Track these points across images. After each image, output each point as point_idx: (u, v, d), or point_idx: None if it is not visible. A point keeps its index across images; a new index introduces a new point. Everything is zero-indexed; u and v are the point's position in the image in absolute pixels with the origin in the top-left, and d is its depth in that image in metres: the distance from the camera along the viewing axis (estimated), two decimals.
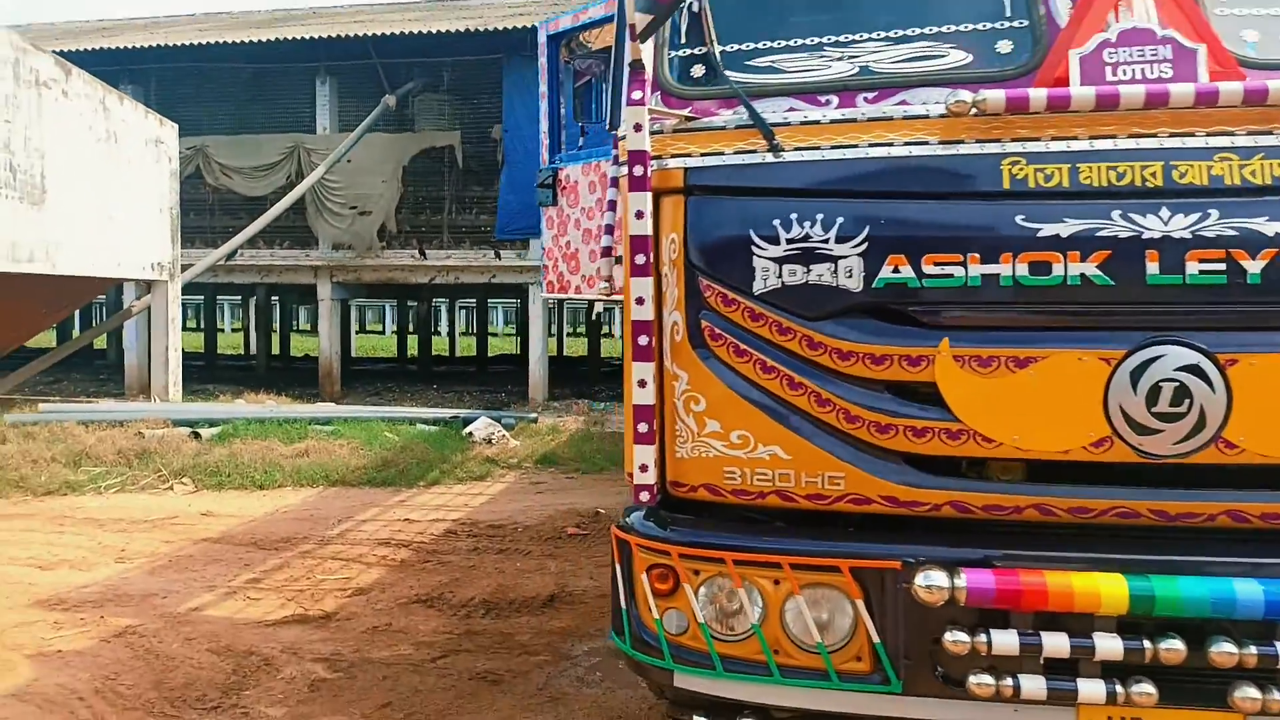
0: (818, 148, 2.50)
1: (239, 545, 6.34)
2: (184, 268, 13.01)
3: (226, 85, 16.34)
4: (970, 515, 2.39)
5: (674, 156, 2.56)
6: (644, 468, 2.51)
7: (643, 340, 2.50)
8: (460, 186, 16.25)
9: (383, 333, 41.97)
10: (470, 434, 10.39)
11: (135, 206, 11.00)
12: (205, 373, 18.73)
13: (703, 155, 2.56)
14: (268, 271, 15.94)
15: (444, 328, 37.23)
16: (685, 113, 2.60)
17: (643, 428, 2.51)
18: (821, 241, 2.42)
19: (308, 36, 14.61)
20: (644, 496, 2.52)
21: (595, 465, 9.55)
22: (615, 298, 3.92)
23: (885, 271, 2.36)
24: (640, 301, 2.49)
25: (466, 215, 16.43)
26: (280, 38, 14.60)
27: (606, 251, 2.83)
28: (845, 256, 2.40)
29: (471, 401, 15.03)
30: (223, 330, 33.67)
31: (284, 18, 16.59)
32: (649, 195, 2.48)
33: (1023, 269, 2.29)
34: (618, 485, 8.70)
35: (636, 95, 2.49)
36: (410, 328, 23.15)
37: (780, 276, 2.44)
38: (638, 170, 2.49)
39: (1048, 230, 2.29)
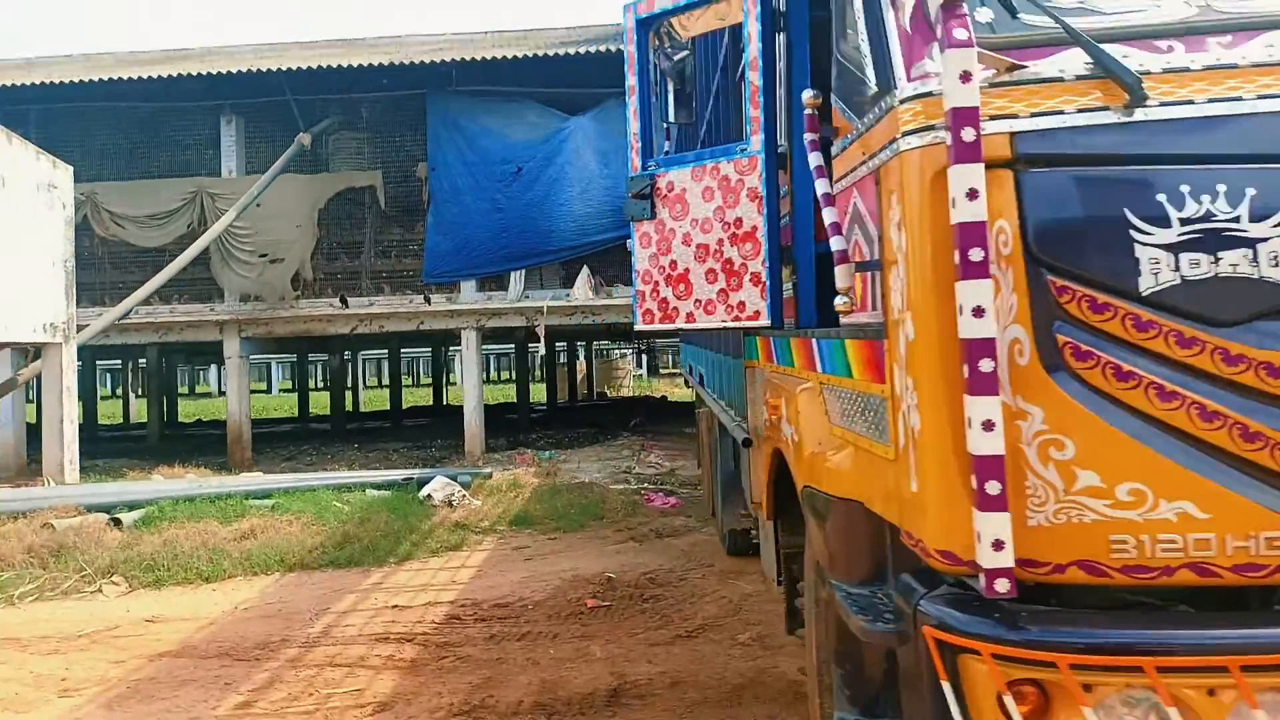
0: (1193, 101, 1.86)
1: (208, 658, 5.23)
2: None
3: (119, 127, 14.91)
4: None
5: (992, 119, 1.88)
6: (998, 545, 1.79)
7: (985, 366, 1.79)
8: (379, 229, 15.20)
9: (268, 390, 39.57)
10: (429, 496, 9.38)
11: (25, 259, 9.61)
12: (87, 446, 16.84)
13: (1034, 116, 1.89)
14: (167, 329, 14.45)
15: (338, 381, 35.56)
16: (1008, 61, 1.92)
17: (992, 488, 1.79)
18: (1230, 220, 1.78)
19: (211, 72, 13.41)
20: (1002, 586, 1.79)
21: (574, 523, 8.70)
22: (748, 323, 3.19)
23: None
24: (979, 313, 1.79)
25: (386, 260, 15.37)
26: (181, 74, 13.34)
27: (843, 257, 2.12)
28: (1267, 239, 1.76)
29: (401, 460, 13.89)
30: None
31: (181, 56, 15.28)
32: (979, 168, 1.78)
33: None
34: (607, 544, 7.89)
35: (960, 35, 1.80)
36: (310, 384, 21.66)
37: (1177, 269, 1.78)
38: (967, 134, 1.79)
39: None
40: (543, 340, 13.76)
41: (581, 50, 13.31)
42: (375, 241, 15.19)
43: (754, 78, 3.04)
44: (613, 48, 13.46)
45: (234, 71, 13.45)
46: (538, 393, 22.73)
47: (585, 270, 13.75)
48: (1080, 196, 1.85)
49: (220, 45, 16.87)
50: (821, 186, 2.32)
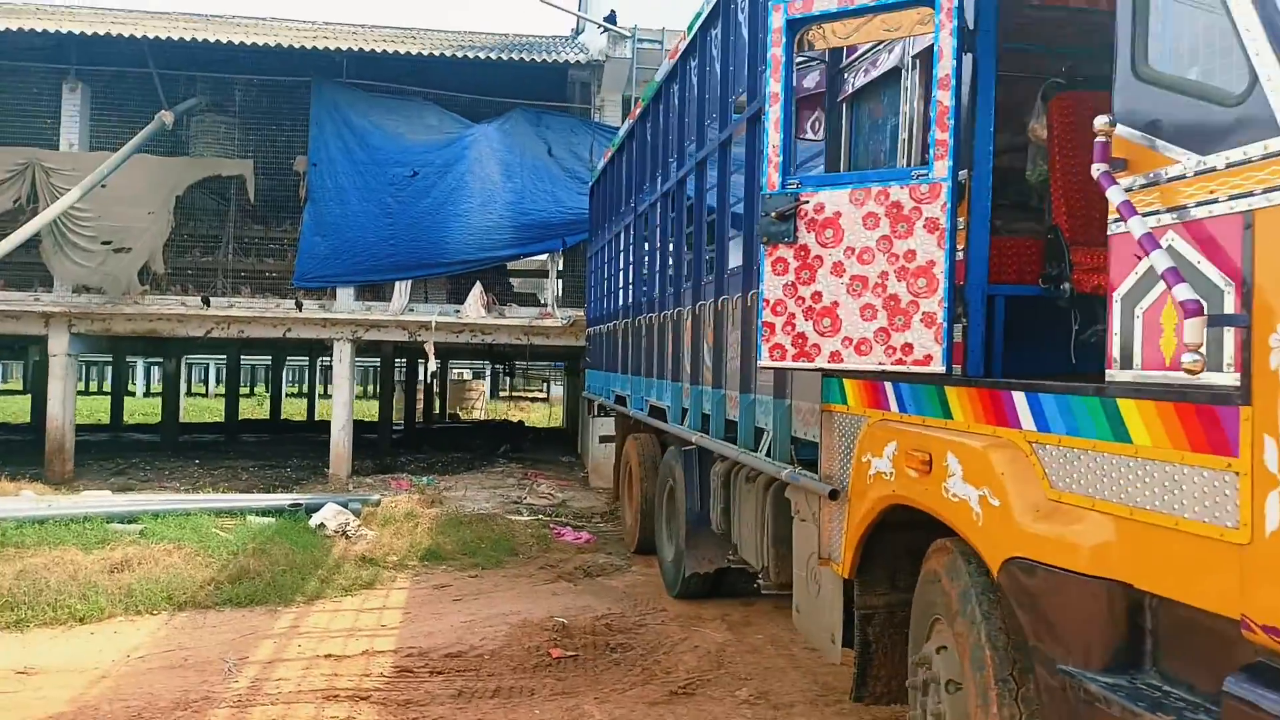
0: None
1: None
2: None
3: None
4: None
5: None
6: None
7: None
8: (242, 224, 13.92)
9: (85, 392, 35.55)
10: (322, 525, 8.47)
11: None
12: None
13: None
14: None
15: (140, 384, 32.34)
16: None
17: None
18: None
19: (57, 30, 11.86)
20: None
21: (490, 559, 8.09)
22: (915, 368, 2.87)
23: None
24: None
25: (246, 259, 14.09)
26: (19, 28, 11.72)
27: (1196, 309, 1.85)
28: None
29: (255, 480, 12.64)
30: None
31: (20, 9, 13.46)
32: None
33: None
34: (537, 583, 7.36)
35: None
36: (129, 388, 19.54)
37: None
38: None
39: None
40: (431, 359, 12.92)
41: (488, 56, 12.75)
42: (237, 237, 13.89)
43: (943, 98, 2.76)
44: (519, 57, 12.99)
45: (82, 34, 11.97)
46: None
47: (478, 287, 13.07)
48: None
49: (61, 2, 15.04)
50: (1139, 227, 2.04)
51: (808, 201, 2.99)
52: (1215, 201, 1.97)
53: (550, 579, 7.51)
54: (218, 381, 35.36)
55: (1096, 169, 2.19)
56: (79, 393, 32.59)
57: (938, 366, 2.80)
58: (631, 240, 8.53)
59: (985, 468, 2.62)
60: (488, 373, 33.25)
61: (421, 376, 19.25)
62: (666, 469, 7.15)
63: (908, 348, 2.84)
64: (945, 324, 2.77)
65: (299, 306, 12.75)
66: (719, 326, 5.54)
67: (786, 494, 4.35)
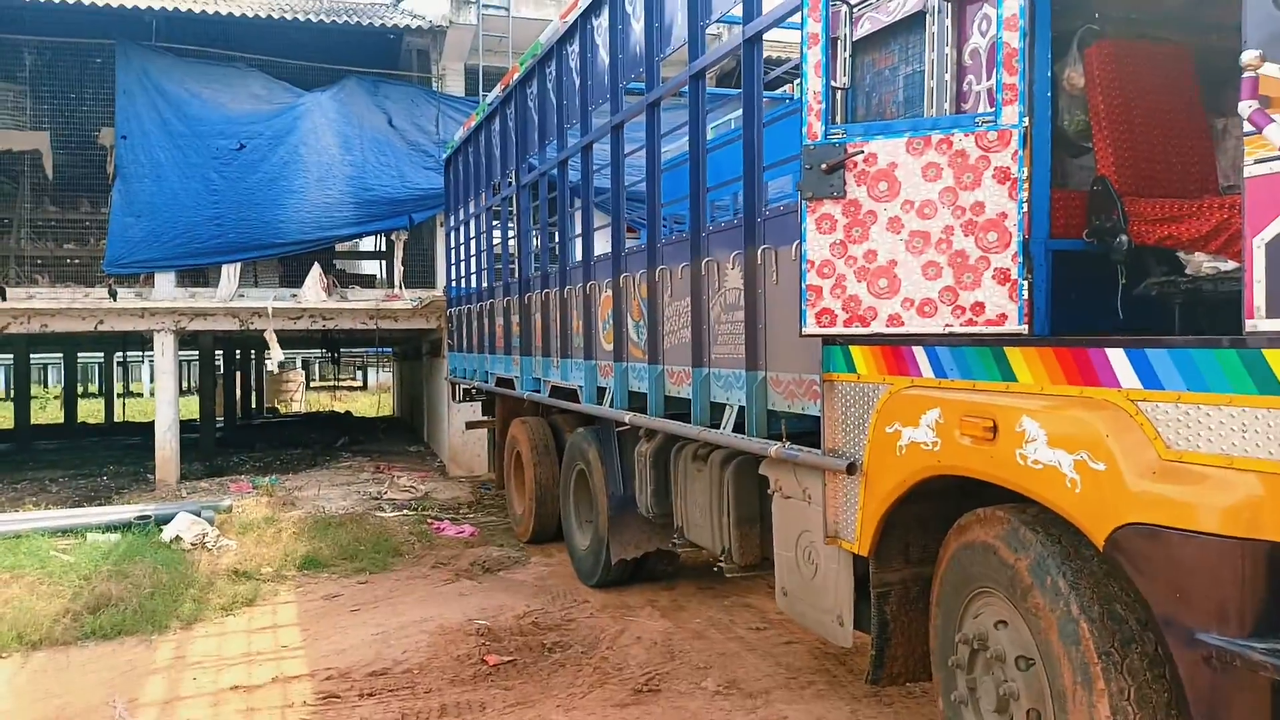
0: None
1: None
2: None
3: None
4: None
5: None
6: None
7: None
8: (37, 205, 12.26)
9: None
10: (178, 539, 7.55)
11: None
12: None
13: None
14: None
15: None
16: None
17: None
18: None
19: None
20: None
21: (375, 562, 7.48)
22: (987, 328, 2.70)
23: None
24: None
25: (43, 244, 12.45)
26: None
27: None
28: None
29: (66, 492, 11.27)
30: None
31: None
32: None
33: None
34: (436, 584, 6.87)
35: None
36: None
37: None
38: None
39: None
40: (274, 348, 11.83)
41: (319, 19, 11.75)
42: (30, 220, 12.22)
43: (1010, 39, 2.59)
44: (350, 20, 12.07)
45: None
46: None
47: (317, 268, 12.12)
48: None
49: None
50: None
51: (860, 151, 2.75)
52: None
53: (449, 578, 7.01)
54: (6, 385, 31.37)
55: (1246, 106, 2.08)
56: None
57: (1014, 325, 2.65)
58: (515, 214, 8.06)
59: (1082, 430, 2.48)
60: (298, 362, 31.28)
61: (268, 368, 17.75)
62: (575, 452, 6.81)
63: (979, 307, 2.67)
64: (1020, 280, 2.62)
65: (113, 295, 11.34)
66: (652, 298, 5.25)
67: (762, 470, 4.14)
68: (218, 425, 18.03)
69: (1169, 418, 2.32)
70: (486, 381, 9.17)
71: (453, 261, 10.73)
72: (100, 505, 9.79)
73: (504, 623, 5.77)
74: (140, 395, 29.30)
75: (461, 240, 10.16)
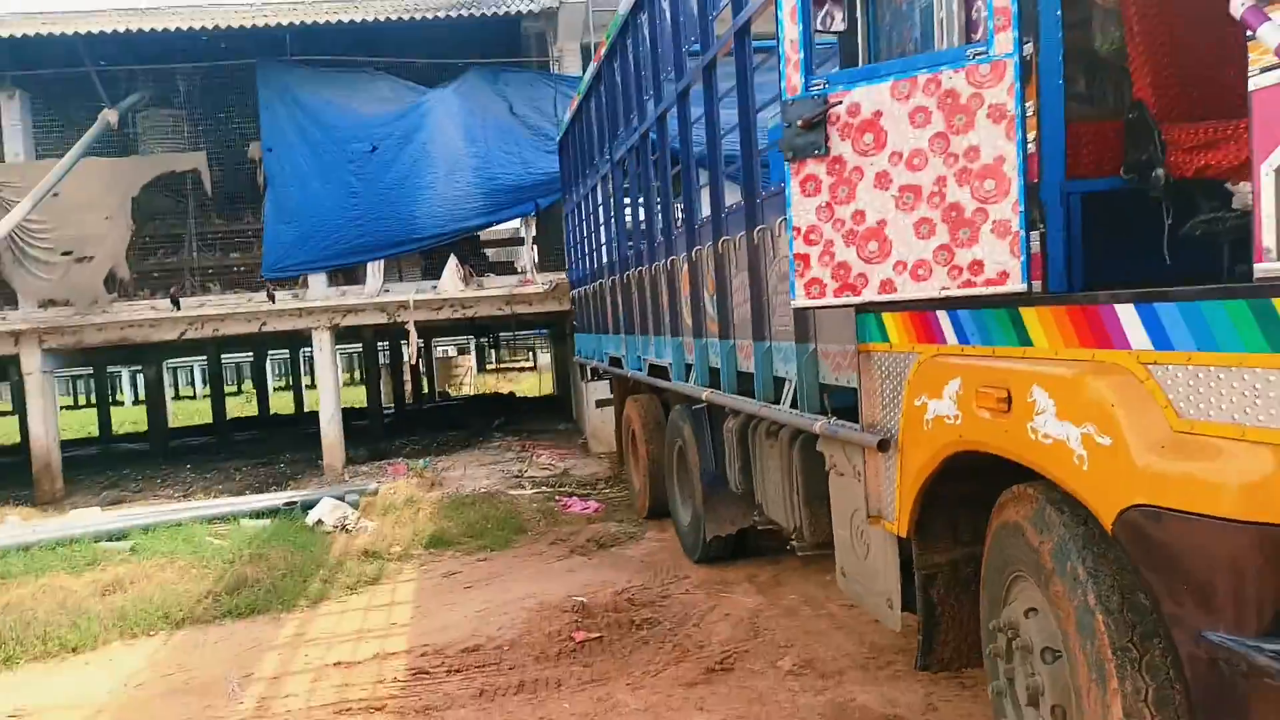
0: None
1: None
2: None
3: None
4: None
5: None
6: None
7: None
8: (204, 220, 13.34)
9: (75, 406, 34.87)
10: (319, 522, 8.09)
11: None
12: None
13: None
14: None
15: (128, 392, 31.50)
16: None
17: None
18: None
19: None
20: None
21: (498, 539, 7.72)
22: (987, 289, 2.46)
23: None
24: None
25: (212, 254, 13.55)
26: None
27: None
28: None
29: (248, 480, 12.27)
30: None
31: None
32: None
33: None
34: (549, 560, 7.01)
35: None
36: (112, 398, 18.97)
37: None
38: None
39: None
40: (413, 338, 12.43)
41: (437, 15, 12.12)
42: (199, 234, 13.33)
43: None
44: (469, 13, 12.36)
45: (11, 36, 11.28)
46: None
47: (453, 259, 12.56)
48: None
49: None
50: None
51: (839, 103, 2.55)
52: None
53: (563, 554, 7.16)
54: (204, 383, 34.69)
55: (1239, 4, 1.77)
56: (66, 407, 31.87)
57: (1016, 284, 2.38)
58: (611, 192, 8.06)
59: (1088, 399, 2.21)
60: (473, 347, 32.73)
61: (406, 357, 18.73)
62: (674, 429, 6.78)
63: (977, 266, 2.42)
64: (1022, 232, 2.36)
65: (271, 299, 12.23)
66: (720, 271, 5.12)
67: (819, 447, 3.97)
68: (388, 411, 19.23)
69: (1180, 382, 2.03)
70: (603, 361, 9.26)
71: (571, 243, 10.87)
72: (276, 490, 10.67)
73: (602, 599, 5.85)
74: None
75: (575, 222, 10.27)
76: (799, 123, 2.57)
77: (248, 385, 30.87)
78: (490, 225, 13.06)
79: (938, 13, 2.59)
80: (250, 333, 12.61)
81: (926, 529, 3.19)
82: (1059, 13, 2.41)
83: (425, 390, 24.51)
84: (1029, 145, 2.50)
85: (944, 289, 2.48)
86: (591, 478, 10.67)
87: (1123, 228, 2.63)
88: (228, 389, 38.33)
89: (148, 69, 12.59)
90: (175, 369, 29.79)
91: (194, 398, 34.57)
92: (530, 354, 44.68)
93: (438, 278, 12.67)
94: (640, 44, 6.48)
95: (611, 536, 7.58)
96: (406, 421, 17.81)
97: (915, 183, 2.46)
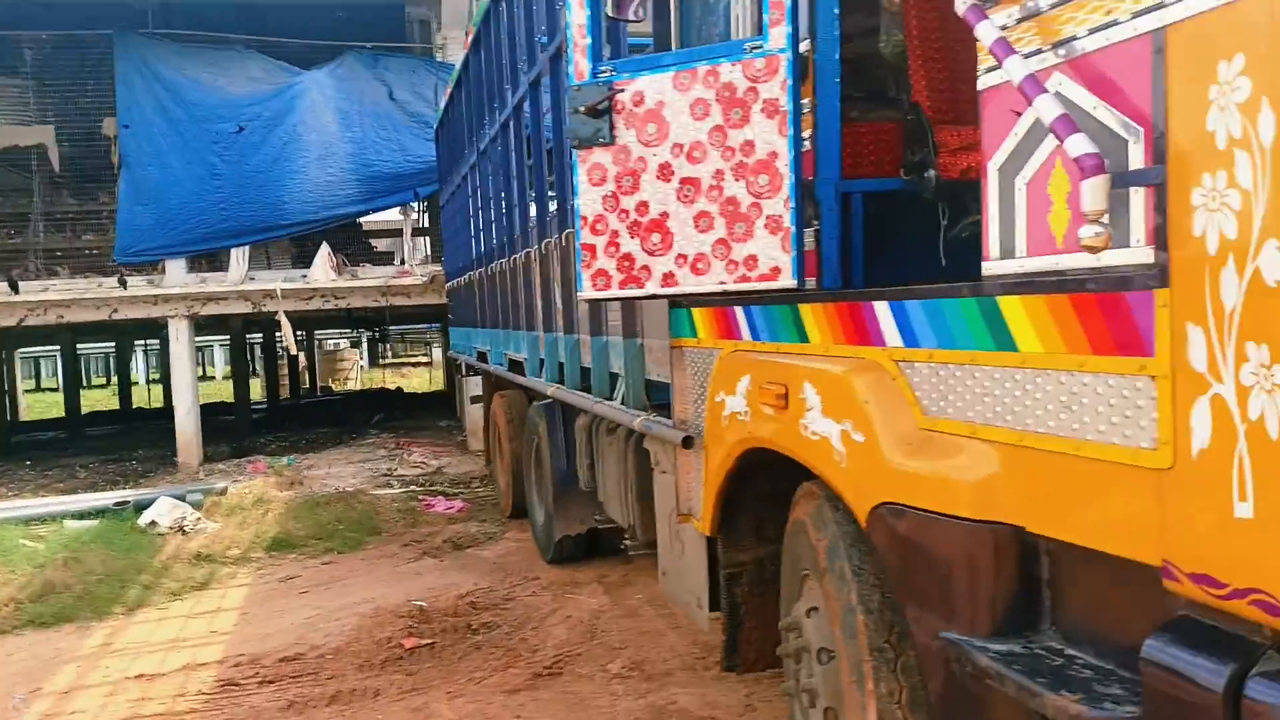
0: None
1: None
2: None
3: None
4: None
5: None
6: None
7: None
8: (51, 199, 12.51)
9: None
10: (153, 523, 7.59)
11: None
12: None
13: None
14: None
15: None
16: None
17: None
18: None
19: None
20: None
21: (348, 541, 7.39)
22: (762, 284, 2.36)
23: None
24: None
25: (60, 235, 12.73)
26: None
27: (1097, 166, 1.39)
28: None
29: (93, 477, 11.51)
30: None
31: None
32: None
33: None
34: (398, 563, 6.73)
35: None
36: None
37: None
38: None
39: None
40: (285, 329, 11.90)
41: None
42: (47, 214, 12.50)
43: None
44: None
45: None
46: (253, 391, 20.16)
47: (325, 248, 12.08)
48: None
49: None
50: (1020, 67, 1.56)
51: (623, 90, 2.42)
52: (1114, 24, 1.49)
53: (414, 557, 6.89)
54: (58, 375, 32.71)
55: (961, 3, 1.70)
56: None
57: (787, 280, 2.30)
58: (478, 182, 7.83)
59: (846, 397, 2.14)
60: (365, 340, 31.83)
61: (279, 350, 18.01)
62: (531, 426, 6.59)
63: (751, 260, 2.32)
64: (793, 228, 2.27)
65: (123, 284, 11.52)
66: (565, 265, 4.96)
67: (645, 444, 3.85)
68: (260, 406, 18.45)
69: (925, 380, 1.97)
70: (472, 356, 9.02)
71: (446, 235, 10.59)
72: (121, 488, 10.02)
73: (443, 603, 5.61)
74: (212, 378, 30.20)
75: (450, 213, 9.99)
76: (584, 108, 2.44)
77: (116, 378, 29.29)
78: (366, 213, 12.63)
79: (735, 7, 2.51)
80: (99, 320, 11.86)
81: (732, 527, 3.10)
82: (836, 10, 2.35)
83: (306, 385, 23.69)
84: (805, 142, 2.43)
85: (721, 283, 2.38)
86: (465, 476, 10.39)
87: (906, 227, 2.59)
88: (96, 380, 36.43)
89: None
90: (35, 359, 27.94)
91: (56, 390, 32.58)
92: (427, 348, 43.82)
93: (309, 266, 12.18)
94: (501, 32, 6.28)
95: (470, 537, 7.35)
96: (280, 417, 17.11)
97: (695, 175, 2.35)
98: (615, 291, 2.51)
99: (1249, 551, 1.28)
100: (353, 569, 6.66)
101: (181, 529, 7.55)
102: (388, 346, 35.39)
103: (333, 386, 25.54)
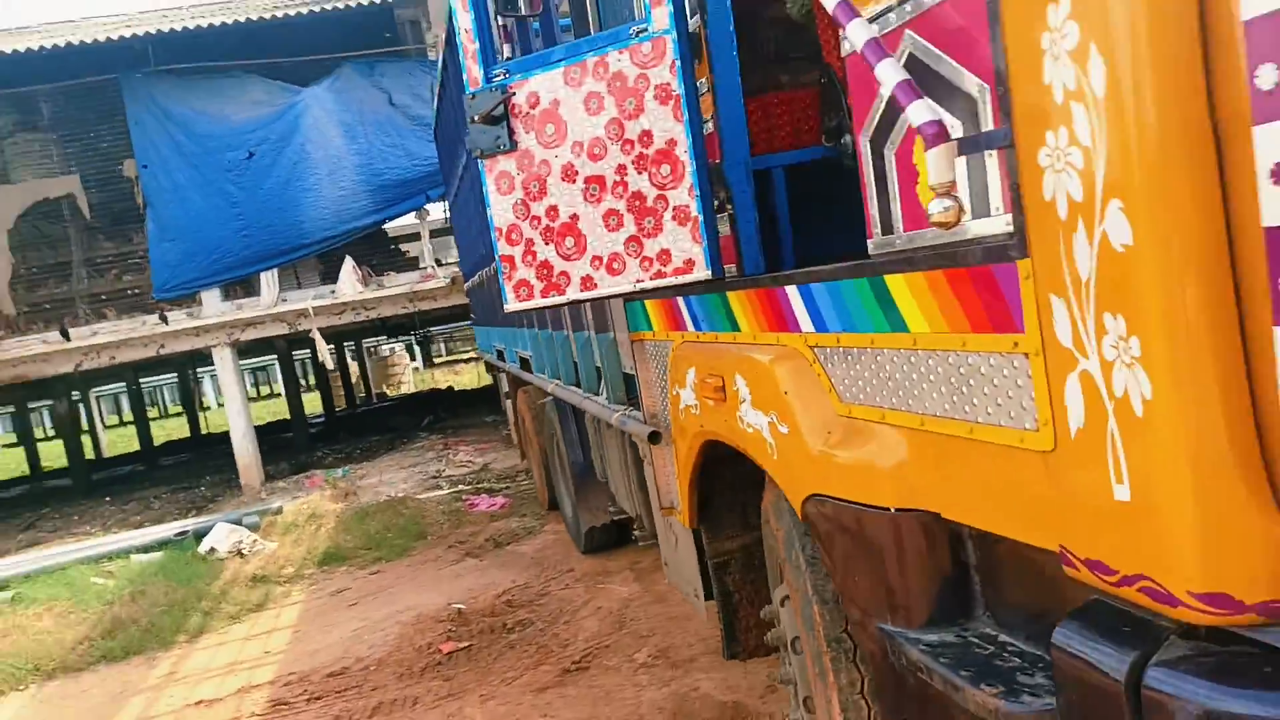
0: None
1: None
2: None
3: None
4: None
5: None
6: None
7: None
8: (88, 245, 12.89)
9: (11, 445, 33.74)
10: (212, 550, 7.87)
11: None
12: None
13: None
14: None
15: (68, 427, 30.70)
16: None
17: None
18: None
19: None
20: None
21: (395, 549, 7.57)
22: (678, 278, 2.34)
23: None
24: None
25: (103, 280, 13.12)
26: None
27: (940, 134, 1.34)
28: None
29: (165, 507, 11.95)
30: None
31: None
32: None
33: None
34: (441, 566, 6.88)
35: None
36: (39, 434, 18.45)
37: None
38: None
39: None
40: (320, 346, 12.14)
41: (301, 11, 11.73)
42: (87, 260, 12.89)
43: None
44: (339, 5, 11.96)
45: None
46: (311, 405, 20.66)
47: (349, 261, 12.26)
48: None
49: None
50: (861, 32, 1.50)
51: (518, 93, 2.40)
52: None
53: (457, 558, 7.04)
54: (133, 410, 33.82)
55: None
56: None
57: (702, 271, 2.27)
58: (473, 179, 7.83)
59: (770, 387, 2.12)
60: (413, 343, 32.29)
61: (326, 363, 18.37)
62: (548, 421, 6.65)
63: (665, 255, 2.30)
64: (702, 216, 2.24)
65: (164, 320, 11.85)
66: None
67: (634, 438, 3.86)
68: (316, 420, 18.88)
69: (838, 365, 1.93)
70: (493, 354, 9.10)
71: (458, 234, 10.65)
72: (194, 516, 10.38)
73: (482, 603, 5.73)
74: (261, 398, 30.97)
75: (456, 211, 10.03)
76: (478, 117, 2.42)
77: (174, 407, 30.26)
78: (382, 223, 12.76)
79: None
80: (149, 356, 12.24)
81: (716, 516, 3.10)
82: None
83: (363, 393, 24.16)
84: (709, 124, 2.38)
85: (638, 281, 2.36)
86: (510, 470, 10.53)
87: (846, 198, 2.52)
88: (173, 409, 37.54)
89: (8, 93, 12.05)
90: (101, 397, 28.97)
91: (121, 425, 33.72)
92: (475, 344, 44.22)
93: (338, 282, 12.37)
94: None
95: (511, 533, 7.47)
96: (336, 429, 17.51)
97: (599, 173, 2.32)
98: (538, 301, 2.51)
99: (1131, 536, 1.24)
100: (399, 576, 6.83)
101: (239, 552, 7.81)
102: (440, 346, 35.82)
103: (387, 392, 25.99)
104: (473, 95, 2.46)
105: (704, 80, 2.44)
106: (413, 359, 33.51)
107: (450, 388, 24.41)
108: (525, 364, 6.75)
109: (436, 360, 39.46)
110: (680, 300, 2.72)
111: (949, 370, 1.57)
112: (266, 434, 18.54)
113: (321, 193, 11.69)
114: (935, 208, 1.37)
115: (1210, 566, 1.12)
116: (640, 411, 3.39)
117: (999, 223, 1.43)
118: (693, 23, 2.39)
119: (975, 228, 1.48)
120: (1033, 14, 1.26)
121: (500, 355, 8.37)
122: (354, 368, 24.73)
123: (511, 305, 2.58)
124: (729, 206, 2.38)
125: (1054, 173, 1.26)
